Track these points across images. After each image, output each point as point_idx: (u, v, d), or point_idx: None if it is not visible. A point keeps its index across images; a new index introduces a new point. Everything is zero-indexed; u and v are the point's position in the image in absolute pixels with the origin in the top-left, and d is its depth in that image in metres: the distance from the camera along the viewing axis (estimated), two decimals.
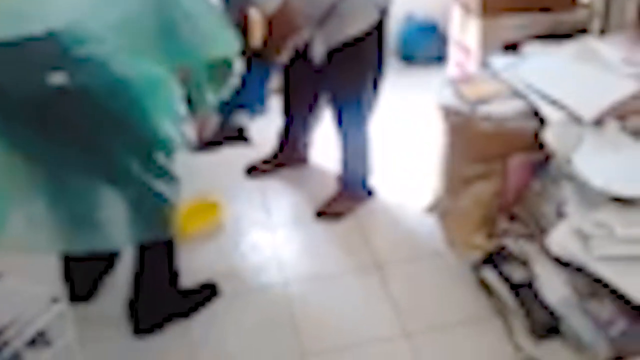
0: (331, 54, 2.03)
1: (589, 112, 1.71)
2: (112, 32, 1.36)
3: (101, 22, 1.35)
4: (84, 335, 1.81)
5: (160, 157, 1.51)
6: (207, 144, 1.91)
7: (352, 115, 2.18)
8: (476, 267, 1.92)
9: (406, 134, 2.77)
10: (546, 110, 1.77)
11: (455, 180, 1.97)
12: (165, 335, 1.84)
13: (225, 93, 1.68)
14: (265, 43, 1.91)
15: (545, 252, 1.64)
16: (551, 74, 1.92)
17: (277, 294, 1.99)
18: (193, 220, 2.21)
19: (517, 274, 1.76)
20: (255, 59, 1.94)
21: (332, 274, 2.06)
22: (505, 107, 1.85)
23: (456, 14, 2.59)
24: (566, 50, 2.09)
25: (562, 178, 1.69)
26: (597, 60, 1.97)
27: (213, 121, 1.81)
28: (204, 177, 2.38)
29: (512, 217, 1.88)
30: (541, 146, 1.76)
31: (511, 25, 2.35)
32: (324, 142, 2.54)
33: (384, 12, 2.03)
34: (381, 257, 2.10)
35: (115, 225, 1.56)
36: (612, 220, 1.52)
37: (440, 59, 3.09)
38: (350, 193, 2.34)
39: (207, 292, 1.94)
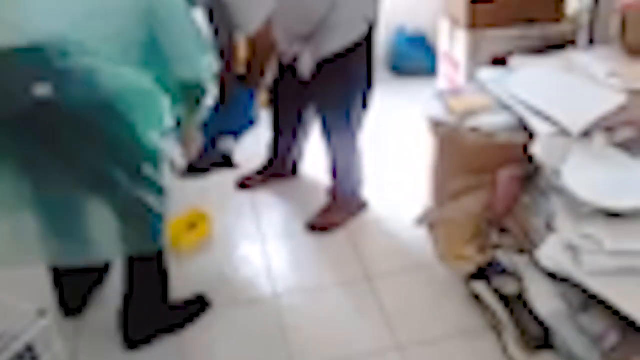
0: (320, 66, 2.04)
1: (576, 125, 1.73)
2: (102, 44, 1.36)
3: (91, 33, 1.35)
4: (75, 348, 1.80)
5: (149, 169, 1.50)
6: (194, 170, 1.91)
7: (340, 128, 2.17)
8: (467, 280, 1.92)
9: (396, 146, 2.78)
10: (534, 123, 1.78)
11: (445, 192, 1.97)
12: (156, 347, 1.82)
13: (198, 116, 1.68)
14: (248, 67, 1.92)
15: (536, 265, 1.65)
16: (539, 87, 1.94)
17: (268, 306, 1.98)
18: (183, 233, 2.21)
19: (508, 287, 1.77)
20: (239, 83, 1.94)
21: (323, 286, 2.06)
22: (494, 120, 1.86)
23: (445, 26, 2.62)
24: (553, 63, 2.11)
25: (551, 191, 1.70)
26: (583, 73, 2.00)
27: (198, 141, 1.80)
28: (194, 190, 2.38)
29: (503, 230, 1.88)
30: (530, 159, 1.77)
31: (499, 38, 2.39)
32: (314, 154, 2.54)
33: (372, 25, 2.04)
34: (372, 270, 2.10)
35: (104, 237, 1.56)
36: (601, 233, 1.52)
37: (430, 71, 3.12)
38: (341, 205, 2.34)
39: (197, 305, 1.93)
